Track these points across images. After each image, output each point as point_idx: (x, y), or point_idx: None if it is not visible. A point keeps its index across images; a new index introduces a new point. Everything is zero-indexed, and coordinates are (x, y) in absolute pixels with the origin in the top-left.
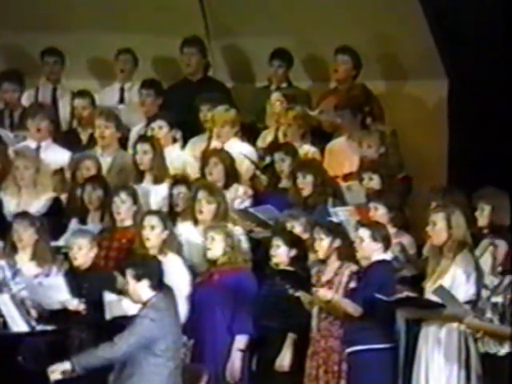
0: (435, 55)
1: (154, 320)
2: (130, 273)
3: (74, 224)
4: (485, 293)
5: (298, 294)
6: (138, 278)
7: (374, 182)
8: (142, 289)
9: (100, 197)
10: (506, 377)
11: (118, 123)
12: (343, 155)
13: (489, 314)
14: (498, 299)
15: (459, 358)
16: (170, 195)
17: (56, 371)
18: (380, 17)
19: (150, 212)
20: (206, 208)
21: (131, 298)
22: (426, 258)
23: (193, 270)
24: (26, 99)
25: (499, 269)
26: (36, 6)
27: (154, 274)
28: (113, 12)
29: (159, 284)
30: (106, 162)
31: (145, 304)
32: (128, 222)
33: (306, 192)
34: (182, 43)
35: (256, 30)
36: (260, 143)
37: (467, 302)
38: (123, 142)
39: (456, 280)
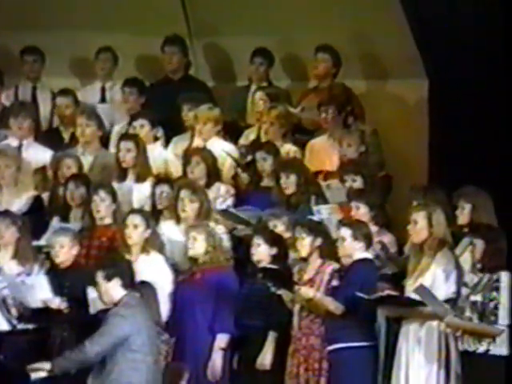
0: (416, 55)
1: (125, 317)
2: (100, 275)
3: (55, 222)
4: (464, 291)
5: (280, 292)
6: (109, 278)
7: (357, 183)
8: (114, 288)
9: (82, 194)
10: (484, 374)
11: (100, 122)
12: (324, 154)
13: (468, 313)
14: (478, 298)
15: (439, 356)
16: (153, 194)
17: (36, 370)
18: (360, 16)
19: (133, 211)
20: (189, 207)
21: (103, 300)
22: (407, 257)
23: (175, 268)
24: (5, 98)
25: (478, 266)
26: (16, 5)
27: (124, 273)
28: (94, 11)
29: (130, 283)
30: (87, 160)
31: (116, 304)
32: (108, 221)
33: (290, 191)
34: (164, 42)
35: (237, 30)
36: (242, 142)
37: (447, 301)
38: (105, 141)
39: (436, 278)
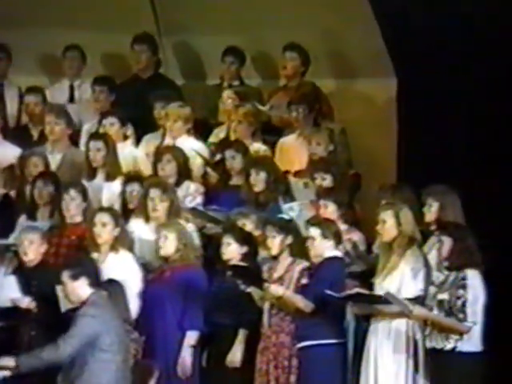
0: (384, 54)
1: (95, 316)
2: (66, 275)
3: (23, 220)
4: (432, 289)
5: (250, 289)
6: (75, 278)
7: (327, 181)
8: (81, 287)
9: (51, 193)
10: (451, 371)
11: (69, 120)
12: (294, 152)
13: (435, 311)
14: (444, 296)
15: (407, 353)
16: (123, 192)
17: (0, 368)
18: (329, 15)
19: (102, 209)
20: (160, 206)
21: (69, 300)
22: (377, 255)
23: (145, 266)
24: None
25: (445, 264)
26: None
27: (90, 271)
28: (63, 8)
29: (97, 281)
30: (56, 158)
31: (84, 303)
32: (78, 219)
33: (259, 189)
34: (133, 40)
35: (206, 28)
36: (212, 140)
37: (416, 298)
38: (74, 139)
39: (405, 276)
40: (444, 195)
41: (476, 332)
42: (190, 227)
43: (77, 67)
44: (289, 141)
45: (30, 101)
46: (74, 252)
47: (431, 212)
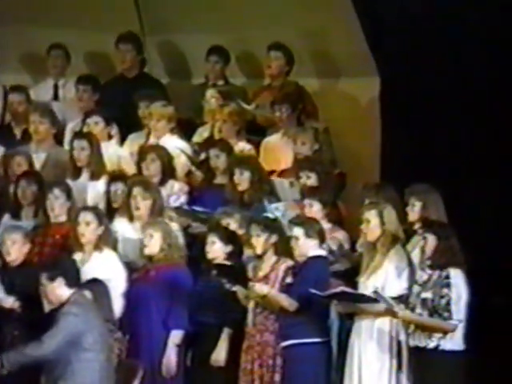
0: (367, 53)
1: (78, 315)
2: (44, 276)
3: (6, 219)
4: (415, 288)
5: (235, 288)
6: (52, 279)
7: (312, 180)
8: (59, 288)
9: (34, 192)
10: (434, 369)
11: (53, 119)
12: (279, 152)
13: (419, 310)
14: (428, 295)
15: (391, 351)
16: (108, 191)
17: None
18: (312, 15)
19: (85, 208)
20: (142, 204)
21: (49, 301)
22: (361, 253)
23: (129, 266)
24: None
25: (428, 263)
26: None
27: (68, 271)
28: (47, 6)
29: (76, 281)
30: (40, 157)
31: (65, 303)
32: (62, 218)
33: (243, 188)
34: (117, 39)
35: (191, 27)
36: (196, 139)
37: (399, 297)
38: (59, 138)
39: (389, 275)
40: (426, 194)
41: (458, 331)
42: (174, 226)
43: (61, 66)
44: (273, 140)
45: (14, 99)
46: (59, 251)
47: (414, 211)
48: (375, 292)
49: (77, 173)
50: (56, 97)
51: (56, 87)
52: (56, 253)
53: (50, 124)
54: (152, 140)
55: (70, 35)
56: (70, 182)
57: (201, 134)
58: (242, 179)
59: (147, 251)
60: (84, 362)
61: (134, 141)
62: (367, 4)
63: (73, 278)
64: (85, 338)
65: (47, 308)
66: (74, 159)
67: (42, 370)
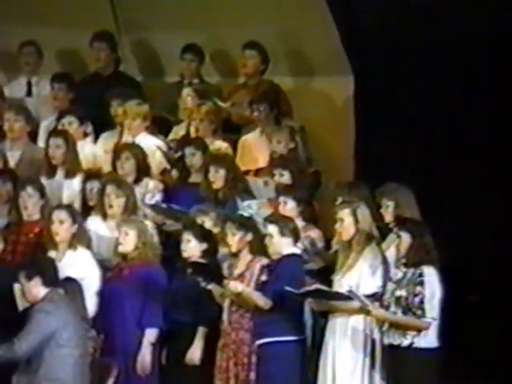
0: (341, 52)
1: (50, 312)
2: (22, 275)
3: None
4: (390, 286)
5: (210, 286)
6: (30, 277)
7: (285, 177)
8: (35, 287)
9: (9, 190)
10: (408, 367)
11: (28, 116)
12: (256, 150)
13: (393, 308)
14: (402, 293)
15: (365, 349)
16: (83, 190)
17: None
18: (287, 13)
19: (59, 206)
20: (115, 202)
21: (27, 299)
22: (335, 252)
23: (102, 264)
24: None
25: (403, 261)
26: None
27: (45, 270)
28: (21, 4)
29: (53, 280)
30: (15, 155)
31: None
32: (35, 216)
33: (217, 185)
34: (92, 38)
35: (165, 25)
36: (172, 137)
37: (374, 295)
38: (33, 135)
39: (363, 273)
40: (397, 193)
41: (432, 328)
42: (149, 224)
43: (33, 63)
44: (251, 138)
45: None
46: (32, 250)
47: (388, 212)
48: (350, 291)
49: (52, 171)
50: (29, 94)
51: (29, 84)
52: (29, 251)
53: (24, 122)
54: (126, 138)
55: (44, 33)
56: (44, 180)
57: (177, 132)
58: (217, 177)
59: (121, 249)
60: (58, 357)
61: (107, 139)
62: (341, 3)
63: (50, 277)
64: (59, 335)
65: (21, 306)
66: (48, 157)
67: (15, 366)
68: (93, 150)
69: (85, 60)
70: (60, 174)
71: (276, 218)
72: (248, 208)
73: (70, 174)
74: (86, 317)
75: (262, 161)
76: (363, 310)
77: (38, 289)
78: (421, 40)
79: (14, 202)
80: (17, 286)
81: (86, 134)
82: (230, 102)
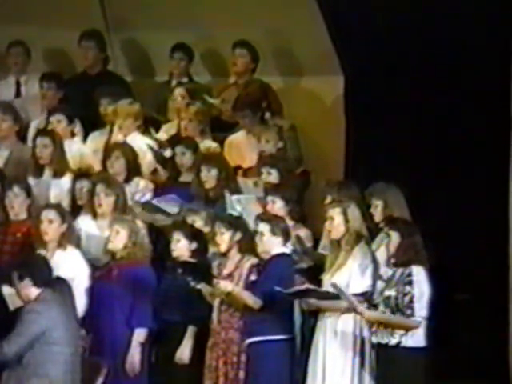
0: (331, 51)
1: (40, 312)
2: (14, 275)
3: None
4: (379, 285)
5: (199, 286)
6: (21, 278)
7: (273, 176)
8: (26, 288)
9: None
10: (396, 365)
11: (16, 116)
12: (244, 149)
13: (381, 307)
14: (391, 292)
15: (354, 348)
16: (73, 189)
17: None
18: (277, 12)
19: (48, 206)
20: (105, 201)
21: (21, 299)
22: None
23: (92, 263)
24: None
25: (392, 260)
26: None
27: (36, 271)
28: (9, 3)
29: (45, 280)
30: (3, 155)
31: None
32: (22, 216)
33: (210, 185)
34: (80, 36)
35: (155, 24)
36: (161, 136)
37: (363, 294)
38: (22, 135)
39: (353, 272)
40: (386, 193)
41: (420, 328)
42: (140, 224)
43: (22, 63)
44: (238, 138)
45: None
46: (19, 249)
47: (378, 212)
48: (334, 285)
49: (39, 170)
50: (18, 94)
51: (18, 84)
52: (16, 251)
53: (12, 121)
54: (116, 137)
55: (32, 32)
56: (32, 179)
57: (167, 132)
58: (209, 176)
59: (111, 246)
60: (48, 354)
61: (96, 138)
62: (331, 2)
63: (42, 277)
64: (49, 334)
65: (12, 306)
66: (36, 157)
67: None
68: (80, 150)
69: (73, 59)
70: (47, 173)
71: (268, 217)
72: (236, 202)
73: (57, 174)
74: (75, 316)
75: (249, 160)
76: (352, 309)
77: (29, 289)
78: (410, 40)
79: (0, 202)
80: (4, 286)
81: (73, 133)
82: (221, 98)
